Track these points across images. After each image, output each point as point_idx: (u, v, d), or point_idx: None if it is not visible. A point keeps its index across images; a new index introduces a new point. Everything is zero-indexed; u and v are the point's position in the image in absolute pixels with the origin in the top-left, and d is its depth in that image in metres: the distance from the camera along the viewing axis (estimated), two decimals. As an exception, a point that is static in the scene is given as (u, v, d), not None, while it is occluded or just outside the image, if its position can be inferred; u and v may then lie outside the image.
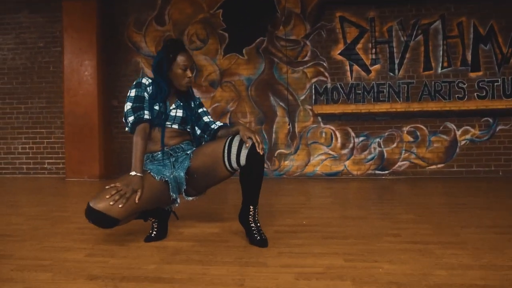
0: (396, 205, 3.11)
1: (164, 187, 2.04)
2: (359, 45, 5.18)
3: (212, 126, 2.19)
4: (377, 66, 5.18)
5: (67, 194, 4.02)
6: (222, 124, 2.21)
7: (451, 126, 5.12)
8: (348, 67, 5.21)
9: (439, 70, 5.11)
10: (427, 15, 5.09)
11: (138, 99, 2.04)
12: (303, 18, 5.22)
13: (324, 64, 5.22)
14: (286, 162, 5.30)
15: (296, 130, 5.28)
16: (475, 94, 5.08)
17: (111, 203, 1.79)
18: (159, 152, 2.10)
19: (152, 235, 2.11)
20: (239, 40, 5.29)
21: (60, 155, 5.62)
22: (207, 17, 5.35)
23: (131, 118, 2.01)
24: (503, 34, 5.01)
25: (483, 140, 5.10)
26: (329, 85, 5.23)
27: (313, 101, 5.26)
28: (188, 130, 2.19)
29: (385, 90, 5.18)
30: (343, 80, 5.22)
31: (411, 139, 5.17)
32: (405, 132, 5.17)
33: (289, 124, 5.28)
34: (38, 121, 5.65)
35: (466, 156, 5.12)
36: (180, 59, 2.06)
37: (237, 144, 1.93)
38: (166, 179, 2.02)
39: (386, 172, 5.18)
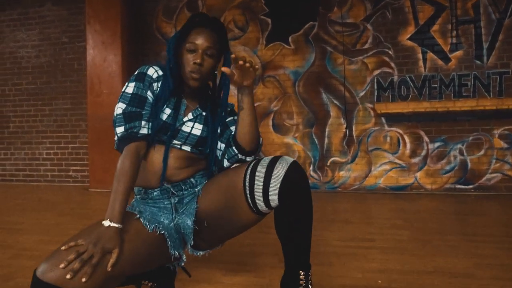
0: (505, 240, 2.12)
1: (159, 241, 1.25)
2: (435, 27, 4.13)
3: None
4: (459, 53, 4.10)
5: (85, 213, 3.37)
6: None
7: (560, 128, 3.95)
8: (420, 55, 4.17)
9: (544, 56, 3.94)
10: (528, -15, 3.94)
11: (135, 99, 1.27)
12: (363, -4, 4.26)
13: (390, 52, 4.23)
14: (342, 173, 4.37)
15: (354, 134, 4.34)
16: None
17: (67, 276, 1.00)
18: (157, 190, 1.32)
19: None
20: (285, 26, 4.44)
21: (85, 162, 5.07)
22: (247, 0, 4.54)
23: (120, 130, 1.25)
24: None
25: None
26: (395, 78, 4.23)
27: (375, 98, 4.28)
28: (207, 153, 1.39)
29: (469, 83, 4.09)
30: (414, 71, 4.19)
31: (505, 145, 4.05)
32: (497, 136, 4.06)
33: (345, 127, 4.35)
34: (62, 124, 5.14)
35: None
36: (192, 37, 1.30)
37: (262, 171, 1.20)
38: (162, 231, 1.23)
39: (471, 186, 4.09)
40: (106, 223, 1.12)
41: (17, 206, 3.67)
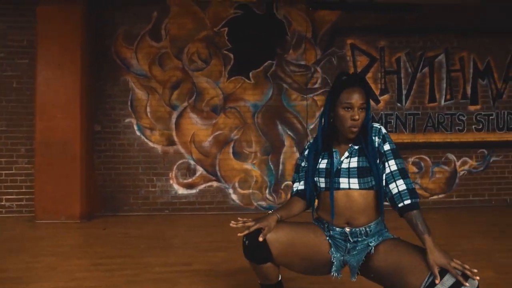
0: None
1: (322, 256, 1.61)
2: (369, 74, 5.06)
3: (399, 205, 1.53)
4: (386, 96, 5.10)
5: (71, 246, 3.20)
6: (407, 204, 1.51)
7: (452, 157, 5.22)
8: (358, 96, 5.05)
9: (442, 102, 5.18)
10: (432, 48, 5.15)
11: (296, 168, 1.81)
12: (314, 43, 4.95)
13: (334, 92, 5.00)
14: (295, 195, 4.95)
15: (305, 160, 4.97)
16: (473, 126, 5.24)
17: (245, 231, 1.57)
18: (338, 230, 1.60)
19: None
20: (246, 62, 4.85)
21: (23, 190, 4.61)
22: (211, 35, 4.82)
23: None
24: (498, 70, 5.25)
25: (478, 171, 5.27)
26: (338, 114, 5.01)
27: (322, 131, 4.99)
28: (374, 185, 1.57)
29: (392, 121, 5.11)
30: (353, 109, 5.04)
31: (416, 170, 5.16)
32: (410, 163, 5.14)
33: (298, 155, 4.95)
34: (-5, 148, 4.59)
35: (464, 186, 5.25)
36: (344, 96, 1.57)
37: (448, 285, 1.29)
38: (332, 254, 1.61)
39: (394, 204, 5.08)
40: (269, 212, 1.64)
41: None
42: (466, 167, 5.25)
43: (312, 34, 4.94)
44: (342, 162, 1.61)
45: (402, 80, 5.12)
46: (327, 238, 1.62)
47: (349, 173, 1.58)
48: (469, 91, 5.22)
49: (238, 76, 4.87)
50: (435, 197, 5.19)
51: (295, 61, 4.94)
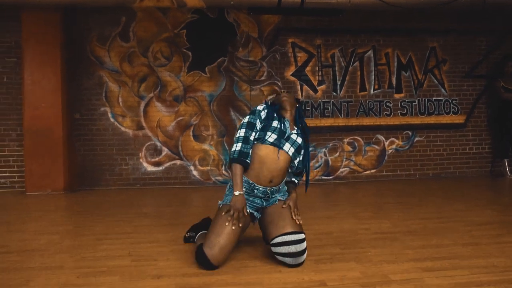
0: (354, 206, 3.90)
1: (247, 222, 2.30)
2: (308, 68, 5.98)
3: (293, 179, 2.47)
4: (323, 87, 6.02)
5: (49, 209, 4.11)
6: (296, 179, 2.49)
7: (381, 138, 6.17)
8: (299, 87, 5.97)
9: (372, 91, 6.13)
10: (362, 45, 6.08)
11: (249, 126, 2.28)
12: (260, 42, 5.85)
13: (279, 83, 5.92)
14: (246, 171, 5.87)
15: (254, 141, 5.88)
16: (399, 111, 6.20)
17: (227, 223, 2.10)
18: (261, 189, 2.25)
19: None
20: (202, 59, 5.73)
21: (15, 169, 5.47)
22: (172, 36, 5.70)
23: (237, 147, 2.24)
24: (419, 64, 6.21)
25: (404, 149, 6.24)
26: (282, 102, 5.92)
27: (269, 116, 5.90)
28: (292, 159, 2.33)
29: (329, 107, 6.04)
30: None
31: (350, 149, 6.10)
32: (346, 143, 6.09)
33: (249, 137, 5.86)
34: (-11, 133, 5.43)
35: (392, 162, 6.21)
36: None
37: (286, 240, 2.07)
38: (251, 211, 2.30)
39: (331, 177, 6.04)
40: (236, 193, 2.14)
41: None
42: (394, 146, 6.21)
43: (258, 34, 5.83)
44: (292, 133, 2.33)
45: (337, 72, 6.05)
46: (248, 211, 2.20)
47: (293, 143, 2.30)
48: (394, 81, 6.17)
49: (196, 71, 5.75)
50: (367, 172, 6.15)
51: (244, 58, 5.83)
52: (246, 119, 2.32)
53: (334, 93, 6.05)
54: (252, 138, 2.24)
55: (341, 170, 6.07)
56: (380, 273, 1.99)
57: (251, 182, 2.22)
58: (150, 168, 5.72)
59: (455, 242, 2.48)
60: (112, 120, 5.65)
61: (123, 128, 5.66)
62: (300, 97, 5.93)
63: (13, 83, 5.43)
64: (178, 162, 5.76)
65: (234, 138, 2.37)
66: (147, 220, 3.43)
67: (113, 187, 5.62)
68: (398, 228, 2.85)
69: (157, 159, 5.73)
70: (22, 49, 5.17)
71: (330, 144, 6.04)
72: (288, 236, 2.06)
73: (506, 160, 6.07)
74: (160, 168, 5.74)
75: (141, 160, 5.70)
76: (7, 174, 5.48)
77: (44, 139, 5.17)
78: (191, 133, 5.77)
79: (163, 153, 5.74)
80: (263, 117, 2.28)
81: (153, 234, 2.90)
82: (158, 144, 5.72)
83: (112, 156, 5.65)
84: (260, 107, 2.33)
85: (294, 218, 2.16)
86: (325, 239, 2.58)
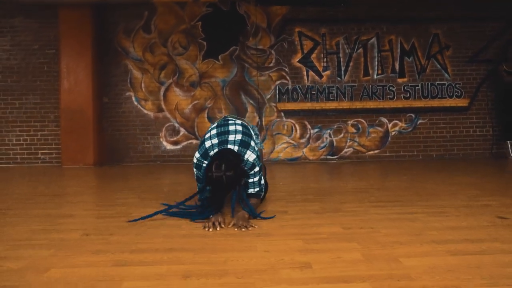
0: (358, 181, 4.33)
1: None
2: (314, 55, 6.42)
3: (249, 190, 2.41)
4: (327, 72, 6.45)
5: (78, 177, 4.82)
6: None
7: (384, 120, 6.51)
8: (305, 73, 6.42)
9: (375, 76, 6.48)
10: (365, 33, 6.44)
11: (203, 152, 2.30)
12: (268, 32, 6.36)
13: (286, 70, 6.39)
14: (255, 150, 6.40)
15: (263, 123, 6.40)
16: (402, 95, 6.51)
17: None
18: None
19: None
20: (216, 48, 6.31)
21: (53, 146, 6.27)
22: (188, 28, 6.31)
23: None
24: (421, 50, 6.49)
25: (408, 132, 6.55)
26: (290, 87, 6.41)
27: (277, 100, 6.41)
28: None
29: (334, 91, 6.45)
30: (301, 82, 6.43)
31: (354, 131, 6.49)
32: (350, 125, 6.48)
33: (258, 119, 6.39)
34: (32, 115, 6.26)
35: (395, 144, 6.54)
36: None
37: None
38: None
39: (335, 157, 6.46)
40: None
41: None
42: (397, 128, 6.53)
43: (267, 24, 6.34)
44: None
45: (341, 59, 6.45)
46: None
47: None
48: (397, 67, 6.49)
49: (210, 59, 6.34)
50: (371, 152, 6.51)
51: (254, 46, 6.35)
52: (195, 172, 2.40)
53: (339, 78, 6.46)
54: None
55: (345, 150, 6.47)
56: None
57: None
58: (169, 146, 6.37)
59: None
60: (135, 103, 6.34)
61: (145, 111, 6.34)
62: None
63: (51, 71, 6.22)
64: (194, 141, 6.37)
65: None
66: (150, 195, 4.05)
67: (137, 163, 6.31)
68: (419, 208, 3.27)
69: (175, 138, 6.37)
70: (60, 42, 5.95)
71: (335, 126, 6.46)
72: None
73: (509, 141, 6.26)
74: (178, 146, 6.37)
75: (161, 139, 6.36)
76: (47, 151, 6.29)
77: (77, 121, 5.93)
78: (205, 115, 6.36)
79: (181, 133, 6.36)
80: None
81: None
82: (176, 125, 6.36)
83: (135, 136, 6.34)
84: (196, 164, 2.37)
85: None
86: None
